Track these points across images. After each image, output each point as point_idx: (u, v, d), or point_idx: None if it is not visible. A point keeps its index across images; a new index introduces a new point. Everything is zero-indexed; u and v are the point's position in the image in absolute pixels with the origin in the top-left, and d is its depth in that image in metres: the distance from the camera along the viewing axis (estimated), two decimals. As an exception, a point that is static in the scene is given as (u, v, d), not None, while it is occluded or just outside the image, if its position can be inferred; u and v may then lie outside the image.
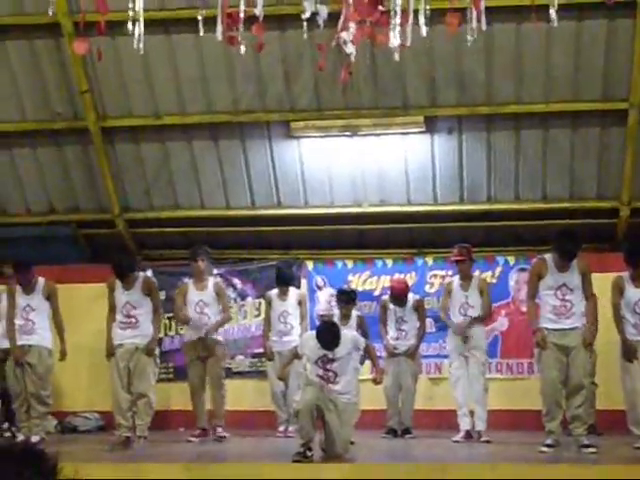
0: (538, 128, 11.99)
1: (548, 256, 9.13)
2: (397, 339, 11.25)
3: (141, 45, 7.16)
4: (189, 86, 12.04)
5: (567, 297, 8.95)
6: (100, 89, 12.13)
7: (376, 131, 12.19)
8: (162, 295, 12.94)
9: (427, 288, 12.64)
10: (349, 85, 10.99)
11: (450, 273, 12.40)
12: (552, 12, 6.43)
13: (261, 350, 12.38)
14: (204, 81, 11.95)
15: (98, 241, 13.56)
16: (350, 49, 7.18)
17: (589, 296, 9.08)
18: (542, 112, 11.76)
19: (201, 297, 10.94)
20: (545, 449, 8.66)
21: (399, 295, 11.25)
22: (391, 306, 11.33)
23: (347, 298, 11.16)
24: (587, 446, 8.61)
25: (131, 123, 12.43)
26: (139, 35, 7.11)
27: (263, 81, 11.85)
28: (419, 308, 11.39)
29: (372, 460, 8.94)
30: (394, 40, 6.90)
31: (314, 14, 7.74)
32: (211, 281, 11.20)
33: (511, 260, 12.61)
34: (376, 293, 12.73)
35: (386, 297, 11.59)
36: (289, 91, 11.89)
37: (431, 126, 12.05)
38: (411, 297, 11.41)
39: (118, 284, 10.27)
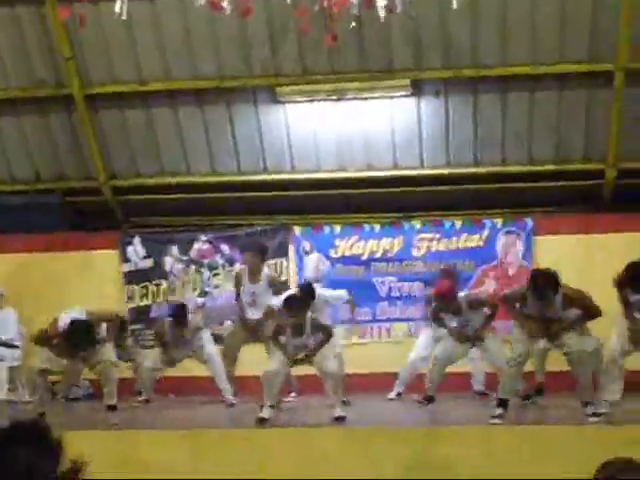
0: (524, 90, 11.94)
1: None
2: None
3: (124, 10, 7.10)
4: (174, 52, 11.94)
5: None
6: (84, 56, 12.03)
7: (362, 95, 12.13)
8: (150, 262, 13.03)
9: (414, 252, 12.63)
10: (335, 49, 10.94)
11: (438, 236, 12.45)
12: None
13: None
14: (189, 46, 11.85)
15: (85, 209, 13.51)
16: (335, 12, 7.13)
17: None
18: (528, 74, 11.72)
19: None
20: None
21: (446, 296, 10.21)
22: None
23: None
24: None
25: (115, 89, 12.32)
26: (122, 0, 7.05)
27: (248, 46, 11.76)
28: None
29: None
30: (381, 2, 6.87)
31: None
32: None
33: (498, 223, 12.60)
34: (363, 258, 12.73)
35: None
36: (275, 56, 11.81)
37: (417, 89, 12.00)
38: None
39: None
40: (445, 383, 9.92)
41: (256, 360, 10.28)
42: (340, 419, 8.56)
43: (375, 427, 8.41)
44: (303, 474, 7.51)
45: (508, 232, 12.55)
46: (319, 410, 9.25)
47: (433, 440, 7.73)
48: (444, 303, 10.00)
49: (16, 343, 11.74)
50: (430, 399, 9.84)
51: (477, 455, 7.49)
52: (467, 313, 9.83)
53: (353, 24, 9.29)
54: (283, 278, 12.61)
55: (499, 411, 8.49)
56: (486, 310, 9.91)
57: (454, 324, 9.85)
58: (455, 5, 6.91)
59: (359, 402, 10.14)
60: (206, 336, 11.08)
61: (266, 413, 8.66)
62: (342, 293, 11.44)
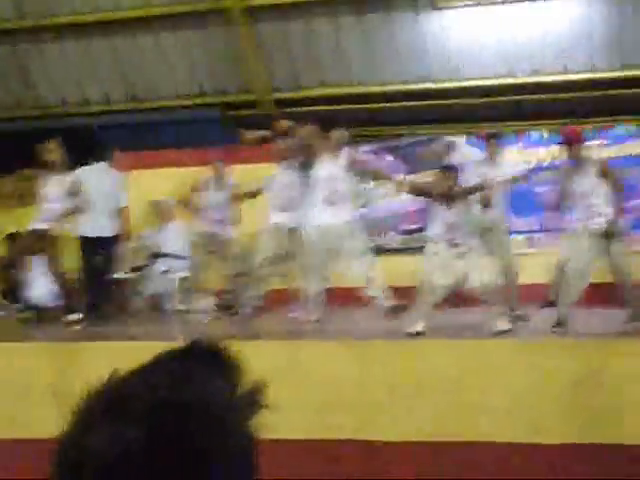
0: None
1: None
2: None
3: None
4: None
5: None
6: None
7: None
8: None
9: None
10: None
11: (607, 142, 11.92)
12: None
13: (411, 226, 12.34)
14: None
15: (246, 122, 13.53)
16: None
17: None
18: None
19: None
20: None
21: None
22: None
23: None
24: None
25: (275, 1, 12.23)
26: None
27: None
28: None
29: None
30: None
31: None
32: None
33: (674, 128, 11.94)
34: (529, 166, 12.31)
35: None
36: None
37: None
38: None
39: None
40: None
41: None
42: (502, 332, 8.13)
43: (544, 339, 8.12)
44: (465, 385, 7.38)
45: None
46: (483, 322, 8.99)
47: (605, 353, 7.40)
48: (570, 150, 8.27)
49: (184, 254, 11.94)
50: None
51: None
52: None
53: None
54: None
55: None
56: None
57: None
58: None
59: (528, 313, 9.83)
60: None
61: (419, 326, 8.34)
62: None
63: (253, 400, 1.21)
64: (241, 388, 1.22)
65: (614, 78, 12.11)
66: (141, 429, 1.09)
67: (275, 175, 9.54)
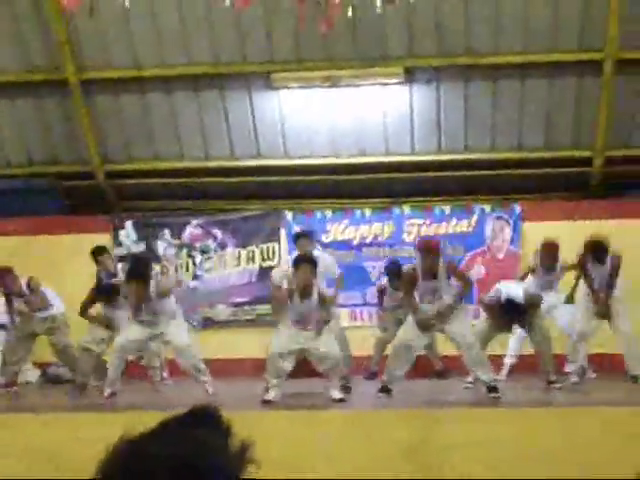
0: (515, 78, 12.12)
1: None
2: None
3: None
4: (169, 37, 12.03)
5: None
6: (79, 40, 12.09)
7: (355, 82, 12.27)
8: (142, 246, 13.12)
9: (404, 237, 12.78)
10: (329, 36, 11.04)
11: (428, 222, 12.60)
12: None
13: (241, 299, 12.67)
14: (184, 32, 11.94)
15: (78, 193, 13.55)
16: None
17: None
18: (519, 63, 11.91)
19: None
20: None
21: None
22: None
23: None
24: None
25: (110, 75, 12.40)
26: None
27: (243, 32, 11.86)
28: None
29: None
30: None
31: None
32: None
33: (487, 208, 12.76)
34: (354, 242, 12.87)
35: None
36: (269, 42, 11.91)
37: (410, 77, 12.14)
38: None
39: None
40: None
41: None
42: (339, 401, 8.52)
43: (373, 410, 8.52)
44: (304, 456, 7.59)
45: (497, 218, 12.72)
46: (318, 393, 9.30)
47: (434, 422, 7.82)
48: (429, 258, 8.94)
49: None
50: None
51: (478, 437, 7.57)
52: (442, 281, 9.01)
53: (350, 12, 9.42)
54: (274, 262, 12.78)
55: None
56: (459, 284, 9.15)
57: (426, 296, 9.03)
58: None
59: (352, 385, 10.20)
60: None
61: (272, 395, 8.61)
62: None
63: (246, 455, 1.40)
64: (234, 446, 1.39)
65: (432, 161, 12.87)
66: None
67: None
